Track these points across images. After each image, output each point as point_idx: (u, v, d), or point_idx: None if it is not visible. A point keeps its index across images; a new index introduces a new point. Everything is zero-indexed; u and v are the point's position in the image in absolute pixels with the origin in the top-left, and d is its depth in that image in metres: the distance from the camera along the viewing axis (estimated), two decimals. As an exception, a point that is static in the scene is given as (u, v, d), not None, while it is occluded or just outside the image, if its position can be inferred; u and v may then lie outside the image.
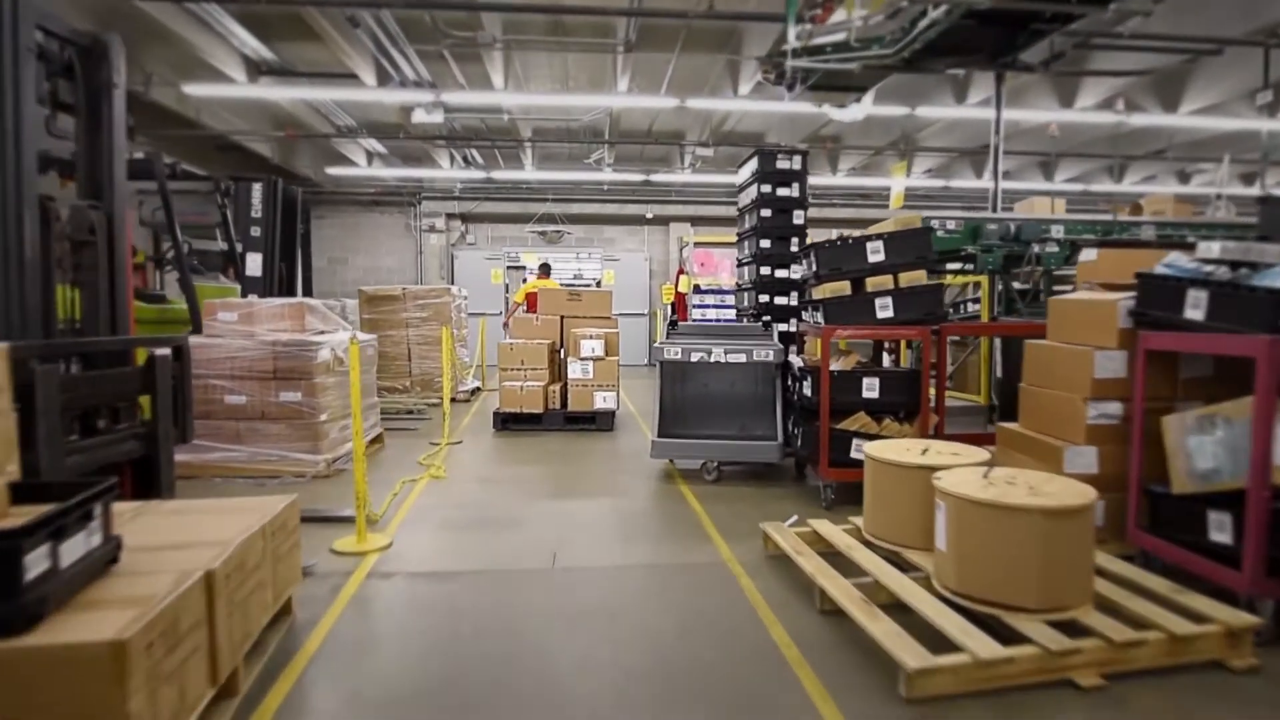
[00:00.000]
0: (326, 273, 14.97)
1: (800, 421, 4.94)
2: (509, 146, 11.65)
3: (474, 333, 11.87)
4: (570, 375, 7.20)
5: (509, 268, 35.25)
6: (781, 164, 6.38)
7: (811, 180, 7.17)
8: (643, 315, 15.55)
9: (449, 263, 15.09)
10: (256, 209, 7.07)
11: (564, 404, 7.32)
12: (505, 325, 9.93)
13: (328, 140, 11.64)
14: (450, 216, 14.97)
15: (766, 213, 6.45)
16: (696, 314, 14.38)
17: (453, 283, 15.27)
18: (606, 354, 7.22)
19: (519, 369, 7.26)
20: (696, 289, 14.28)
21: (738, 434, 5.43)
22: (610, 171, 12.81)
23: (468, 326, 10.98)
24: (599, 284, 18.44)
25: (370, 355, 6.22)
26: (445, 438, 6.60)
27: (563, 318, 7.93)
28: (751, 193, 6.71)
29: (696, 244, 14.30)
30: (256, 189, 7.07)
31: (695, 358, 5.20)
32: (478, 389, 10.65)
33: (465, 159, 12.86)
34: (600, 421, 7.23)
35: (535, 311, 8.26)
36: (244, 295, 6.83)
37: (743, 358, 5.16)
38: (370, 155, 12.84)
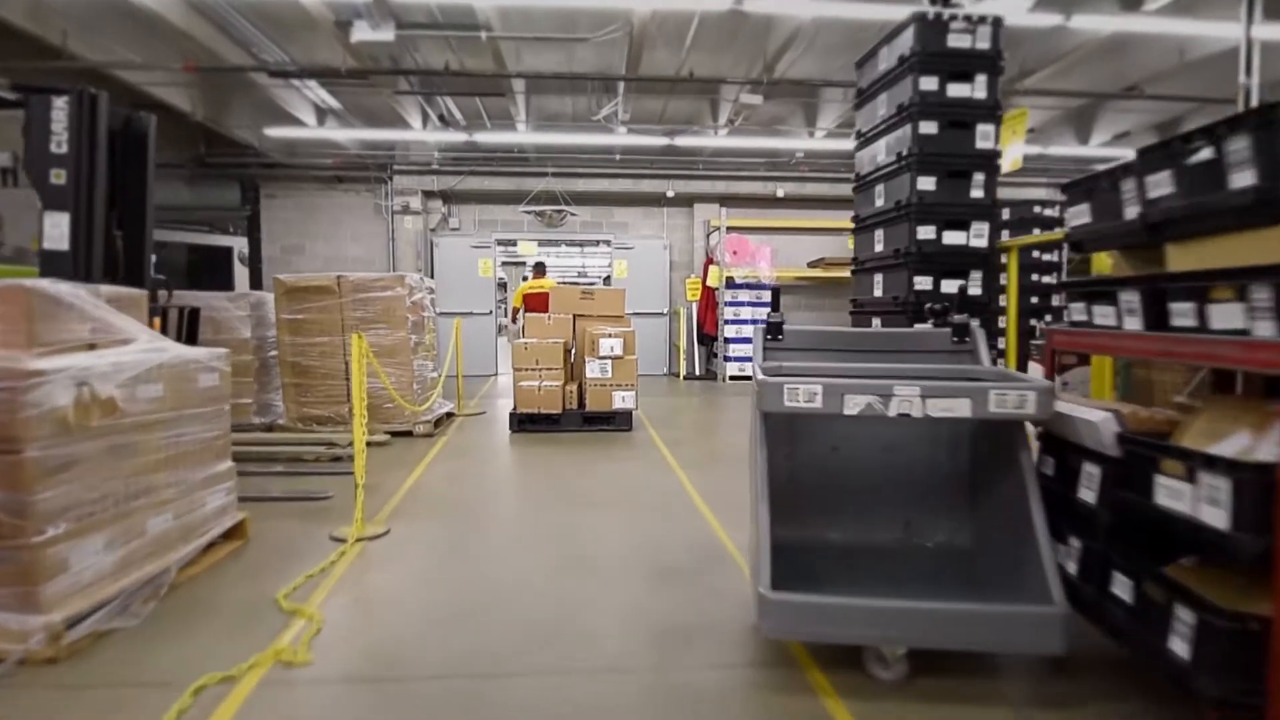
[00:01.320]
0: (280, 263, 12.13)
1: (1128, 564, 2.11)
2: (495, 96, 8.80)
3: (446, 336, 9.02)
4: (589, 374, 6.86)
5: (506, 263, 32.19)
6: (957, 39, 3.52)
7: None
8: (661, 315, 12.70)
9: (427, 251, 12.24)
10: (60, 141, 4.21)
11: (581, 404, 7.02)
12: (506, 328, 8.96)
13: (266, 92, 8.80)
14: (429, 195, 12.12)
15: (929, 128, 3.58)
16: (729, 312, 11.52)
17: (432, 275, 12.41)
18: (625, 353, 6.90)
19: (534, 369, 6.84)
20: (729, 283, 11.43)
21: (939, 581, 2.60)
22: (624, 133, 9.95)
23: (435, 329, 8.13)
24: (608, 281, 15.60)
25: (213, 386, 3.37)
26: (356, 528, 3.76)
27: (575, 316, 7.49)
28: (893, 98, 3.84)
29: (729, 228, 11.46)
30: (59, 107, 4.21)
31: (855, 408, 2.32)
32: (450, 414, 7.80)
33: (442, 118, 10.01)
34: (619, 421, 6.97)
35: (532, 313, 7.82)
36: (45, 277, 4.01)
37: (965, 409, 2.29)
38: (322, 111, 10.00)
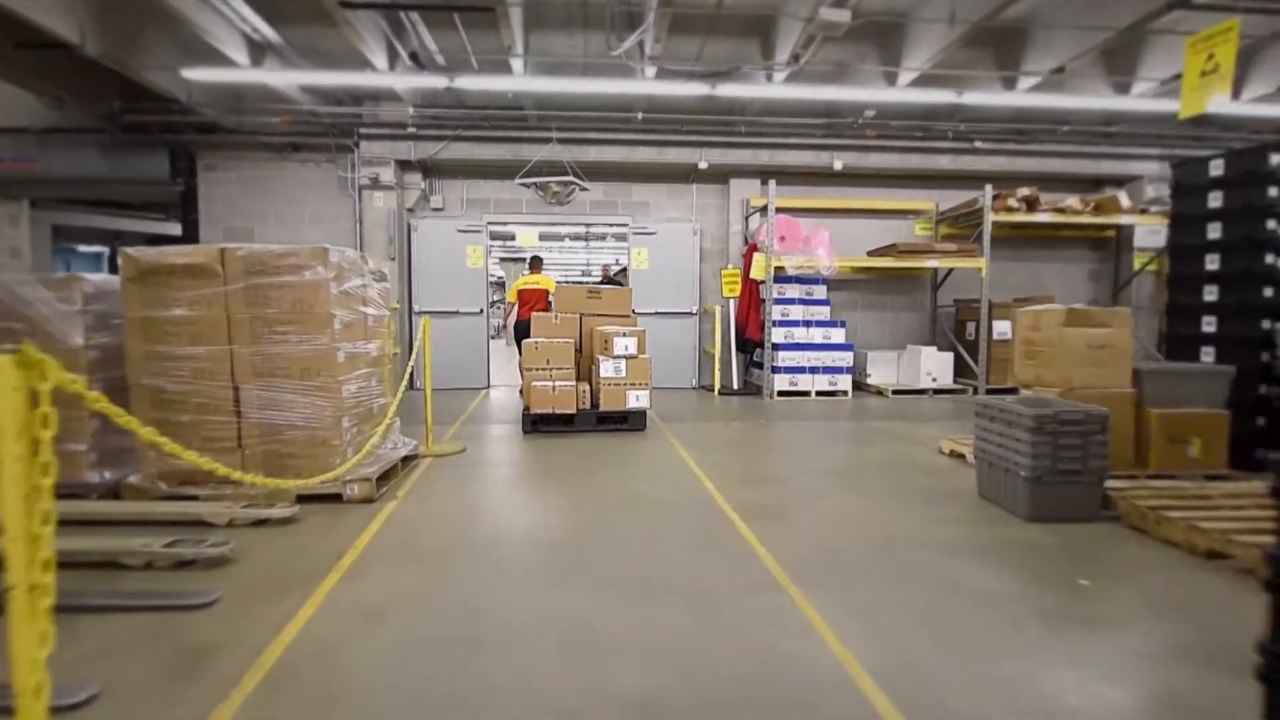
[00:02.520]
0: (221, 251, 9.72)
1: None
2: (482, 11, 6.34)
3: (408, 339, 6.59)
4: (602, 374, 6.45)
5: (503, 258, 29.67)
6: None
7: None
8: (689, 315, 10.27)
9: (403, 235, 9.82)
10: None
11: (594, 404, 6.62)
12: (504, 328, 9.25)
13: (179, 12, 6.36)
14: (404, 167, 9.70)
15: None
16: (777, 311, 9.11)
17: (409, 264, 9.99)
18: (639, 352, 6.51)
19: (544, 368, 6.48)
20: (778, 275, 9.01)
21: None
22: (651, 77, 7.52)
23: (393, 333, 5.73)
24: (623, 274, 13.18)
25: None
26: None
27: (582, 315, 7.08)
28: None
29: (778, 209, 9.05)
30: None
31: None
32: (413, 456, 5.36)
33: (415, 57, 7.58)
34: (633, 421, 6.59)
35: (527, 312, 7.98)
36: None
37: None
38: (257, 48, 7.56)
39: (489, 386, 10.23)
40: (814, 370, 9.12)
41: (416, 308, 9.89)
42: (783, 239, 9.15)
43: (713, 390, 9.74)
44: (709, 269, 10.41)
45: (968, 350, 9.72)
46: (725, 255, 10.37)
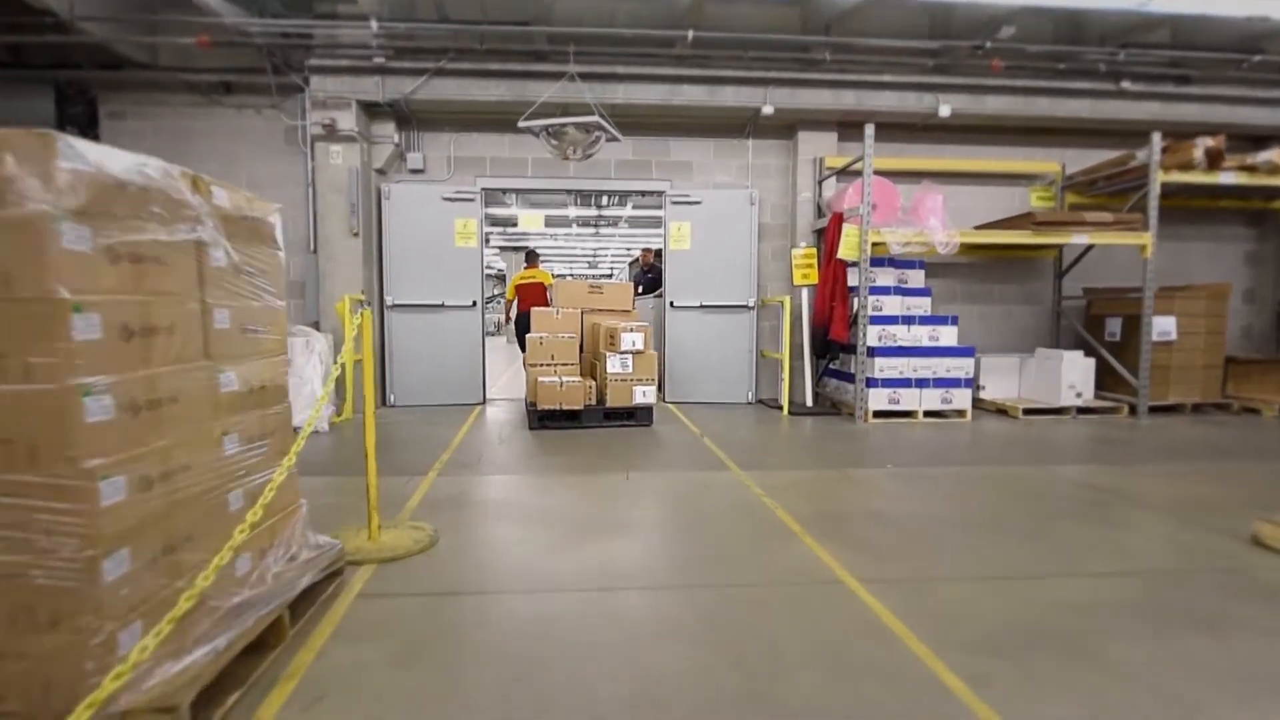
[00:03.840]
0: (133, 225, 7.28)
1: None
2: None
3: (380, 343, 4.09)
4: (609, 370, 6.18)
5: (505, 248, 27.27)
6: None
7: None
8: (744, 309, 7.82)
9: (370, 203, 7.36)
10: None
11: (600, 400, 6.26)
12: (504, 323, 9.52)
13: None
14: (372, 112, 7.23)
15: None
16: (870, 304, 6.66)
17: (379, 242, 7.53)
18: (645, 348, 6.24)
19: (549, 364, 6.33)
20: (875, 259, 6.58)
21: None
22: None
23: (367, 326, 3.33)
24: (657, 259, 10.76)
25: None
26: None
27: (583, 311, 6.80)
28: None
29: (848, 170, 6.62)
30: None
31: None
32: (334, 573, 2.84)
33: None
34: (639, 417, 6.30)
35: (525, 306, 8.08)
36: None
37: None
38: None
39: (485, 401, 7.79)
40: (922, 383, 6.68)
41: (391, 300, 7.44)
42: (874, 208, 6.69)
43: (779, 407, 7.29)
44: (769, 250, 7.95)
45: (1114, 354, 7.28)
46: (789, 232, 7.91)
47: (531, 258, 9.35)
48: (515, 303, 9.09)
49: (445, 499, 3.95)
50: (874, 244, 6.48)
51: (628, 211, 17.24)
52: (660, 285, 10.07)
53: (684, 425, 6.40)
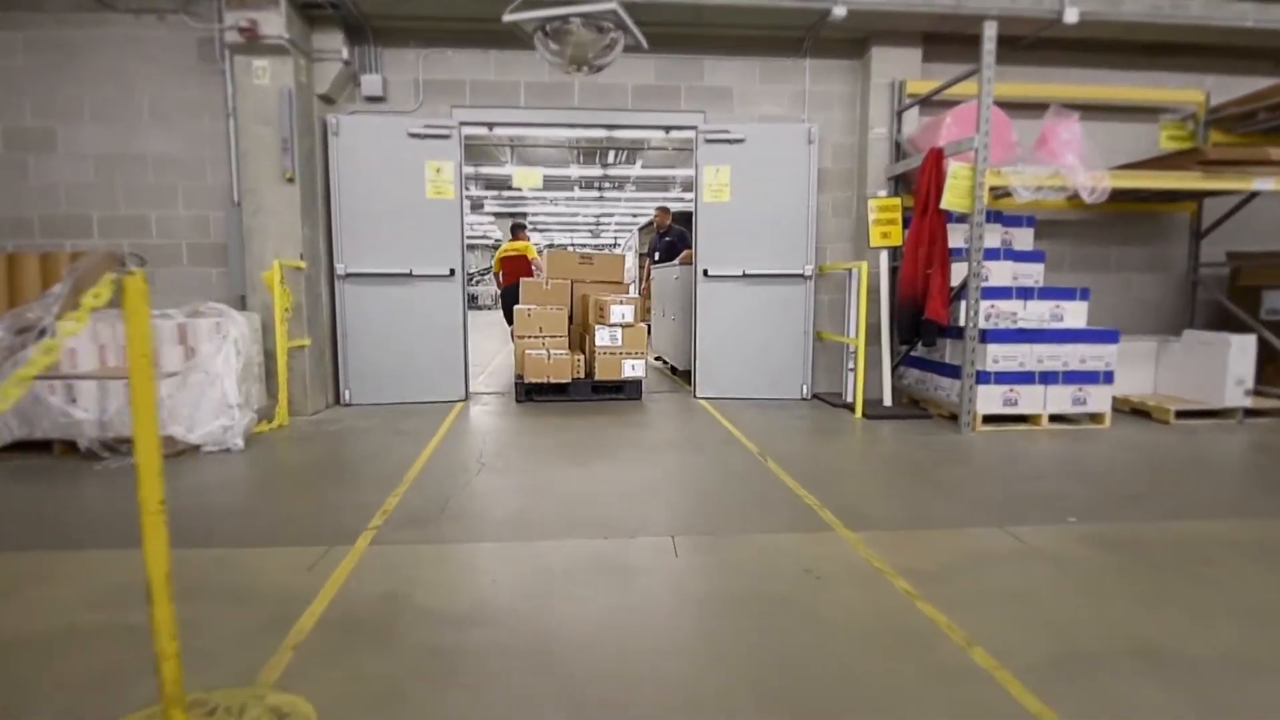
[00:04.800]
0: (2, 174, 5.52)
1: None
2: None
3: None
4: (598, 342, 5.98)
5: (499, 215, 25.52)
6: None
7: None
8: (798, 279, 6.06)
9: (314, 139, 5.56)
10: None
11: (589, 373, 6.05)
12: (499, 290, 9.15)
13: None
14: (309, 14, 5.39)
15: None
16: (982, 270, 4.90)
17: (326, 191, 5.75)
18: (635, 320, 6.03)
19: (538, 336, 6.08)
20: (992, 214, 4.81)
21: None
22: None
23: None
24: (687, 223, 9.02)
25: None
26: None
27: (573, 282, 6.63)
28: None
29: (946, 102, 4.83)
30: None
31: None
32: None
33: None
34: (629, 390, 6.10)
35: (510, 279, 8.04)
36: None
37: None
38: None
39: (467, 397, 6.09)
40: (1048, 378, 4.97)
41: (343, 268, 5.70)
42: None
43: (845, 406, 5.60)
44: (829, 203, 6.18)
45: (1278, 335, 5.57)
46: (856, 179, 6.14)
47: (517, 229, 9.05)
48: (500, 277, 8.93)
49: (368, 610, 2.25)
50: (997, 191, 4.72)
51: (636, 170, 15.36)
52: (679, 250, 8.33)
53: (731, 435, 4.71)
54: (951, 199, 4.74)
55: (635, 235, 13.76)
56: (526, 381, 5.92)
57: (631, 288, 13.86)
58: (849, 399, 5.77)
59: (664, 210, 8.82)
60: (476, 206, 19.85)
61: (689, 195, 10.84)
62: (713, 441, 4.55)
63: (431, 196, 5.76)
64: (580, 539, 2.84)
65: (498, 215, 22.08)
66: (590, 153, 15.00)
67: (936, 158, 5.00)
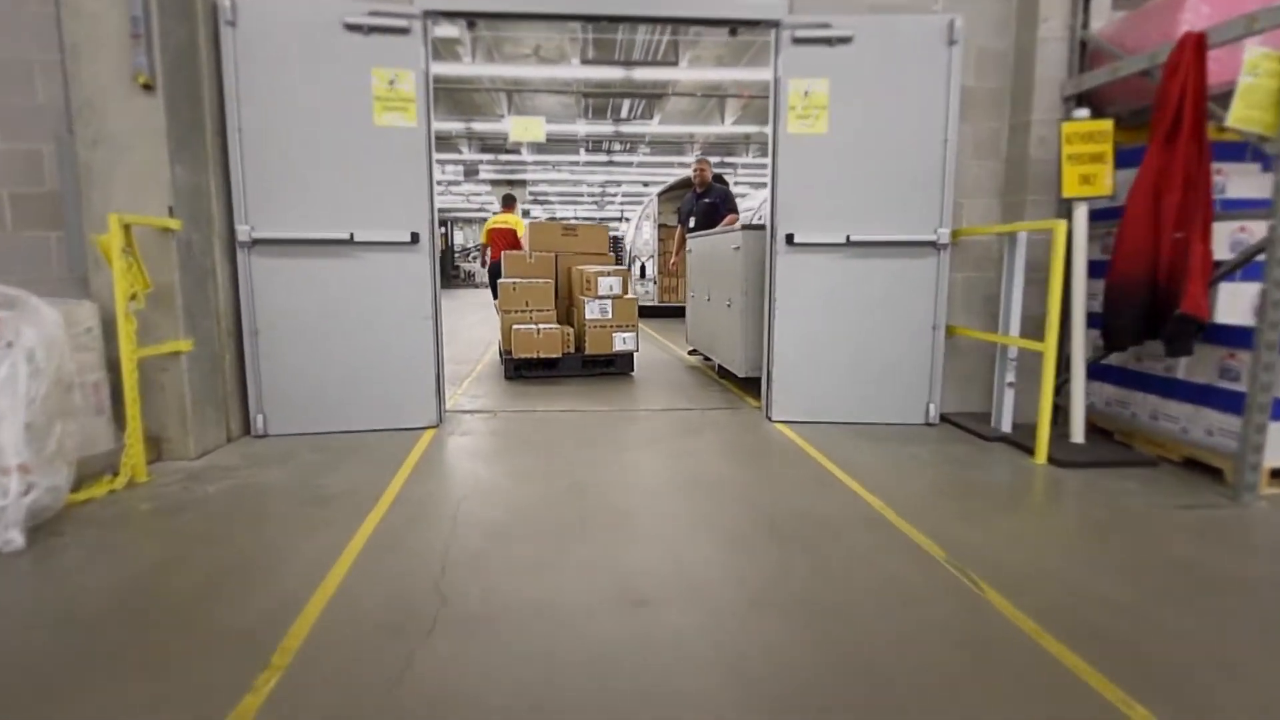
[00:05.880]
0: None
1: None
2: None
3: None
4: (587, 316, 5.85)
5: (496, 182, 23.81)
6: None
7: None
8: (925, 248, 4.14)
9: (195, 30, 3.61)
10: None
11: (578, 347, 5.94)
12: (483, 265, 8.96)
13: None
14: None
15: None
16: (1226, 235, 2.98)
17: (220, 104, 3.76)
18: (624, 292, 5.93)
19: (524, 310, 5.91)
20: (1230, 146, 2.89)
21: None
22: None
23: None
24: (710, 173, 7.05)
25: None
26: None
27: (558, 254, 6.46)
28: None
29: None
30: None
31: None
32: None
33: None
34: (620, 364, 5.95)
35: (498, 253, 7.78)
36: None
37: None
38: None
39: (441, 420, 4.19)
40: (1374, 409, 3.06)
41: (247, 232, 3.76)
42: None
43: (1011, 442, 3.71)
44: (973, 136, 4.23)
45: None
46: (1008, 100, 4.18)
47: (508, 201, 8.64)
48: (488, 250, 8.46)
49: None
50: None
51: (653, 127, 13.30)
52: (722, 215, 6.42)
53: (862, 503, 2.82)
54: (1243, 114, 2.79)
55: (653, 202, 11.76)
56: (515, 357, 5.69)
57: (649, 264, 11.91)
58: (1003, 427, 3.88)
59: (705, 163, 6.85)
60: (471, 173, 17.81)
61: (710, 160, 8.88)
62: (840, 523, 2.66)
63: (383, 123, 3.82)
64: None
65: (494, 183, 20.03)
66: (601, 108, 12.95)
67: (1196, 48, 3.04)
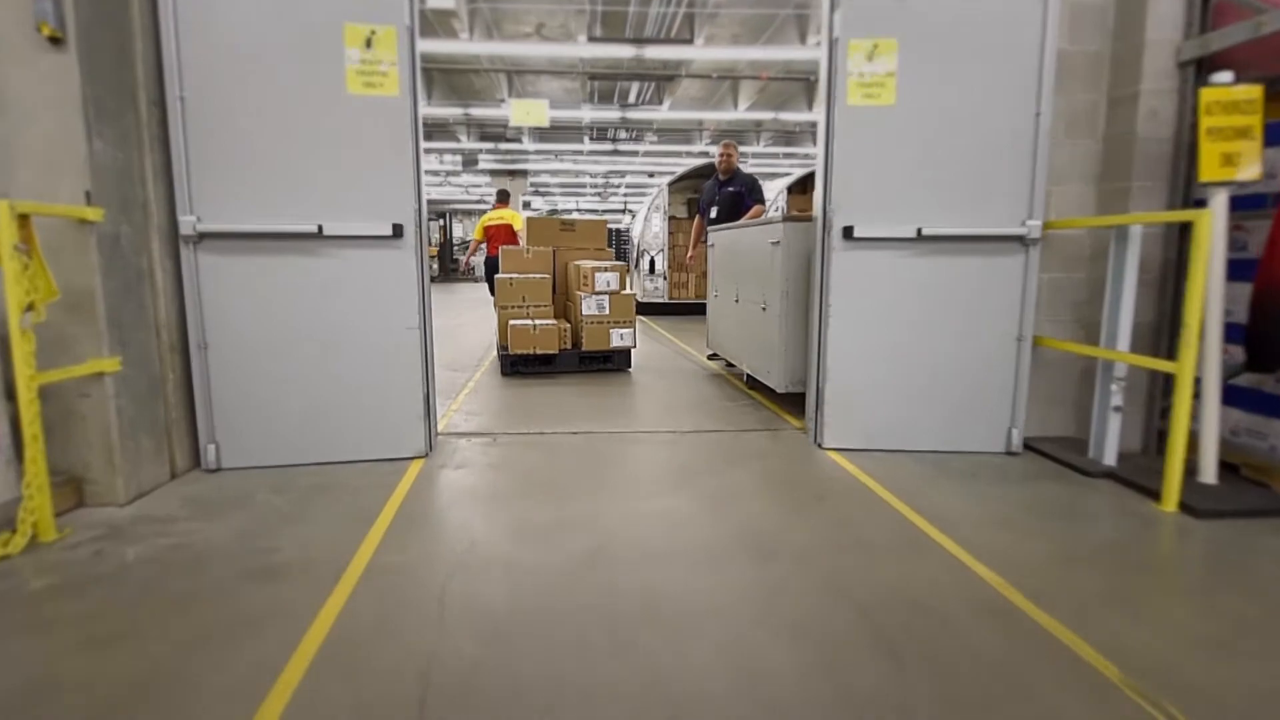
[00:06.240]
0: None
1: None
2: None
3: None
4: (584, 311, 5.76)
5: (496, 172, 23.20)
6: None
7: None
8: (1010, 243, 3.46)
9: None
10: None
11: (575, 344, 5.89)
12: (466, 265, 8.70)
13: None
14: None
15: None
16: None
17: (159, 64, 3.05)
18: (621, 288, 5.82)
19: (521, 306, 5.87)
20: None
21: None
22: None
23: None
24: (735, 157, 6.35)
25: None
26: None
27: (555, 250, 6.40)
28: None
29: None
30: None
31: None
32: None
33: None
34: (617, 360, 5.88)
35: (494, 249, 7.56)
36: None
37: None
38: None
39: (431, 449, 3.52)
40: None
41: (192, 224, 3.07)
42: None
43: (1121, 480, 3.04)
44: (1067, 111, 3.54)
45: None
46: (1108, 67, 3.49)
47: (503, 196, 8.54)
48: (485, 245, 8.19)
49: None
50: None
51: (662, 113, 12.58)
52: (747, 206, 5.75)
53: (984, 588, 2.16)
54: None
55: (663, 193, 11.05)
56: (512, 353, 5.63)
57: (659, 258, 11.21)
58: (1106, 460, 3.21)
59: (732, 146, 6.15)
60: (470, 162, 17.09)
61: (713, 150, 8.21)
62: (954, 612, 2.00)
63: (358, 91, 3.13)
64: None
65: (494, 173, 19.31)
66: (607, 92, 12.22)
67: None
